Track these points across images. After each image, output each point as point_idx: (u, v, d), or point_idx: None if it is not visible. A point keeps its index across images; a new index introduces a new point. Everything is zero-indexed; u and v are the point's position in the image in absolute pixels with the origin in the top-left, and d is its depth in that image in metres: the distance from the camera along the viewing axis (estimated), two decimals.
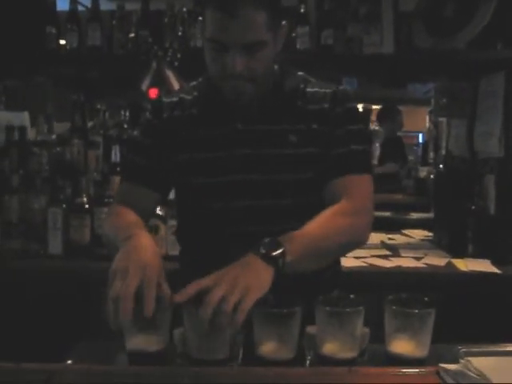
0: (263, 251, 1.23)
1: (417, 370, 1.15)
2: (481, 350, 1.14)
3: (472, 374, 1.07)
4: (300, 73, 1.55)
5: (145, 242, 1.27)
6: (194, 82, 1.59)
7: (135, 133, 1.84)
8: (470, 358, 1.10)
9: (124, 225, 1.39)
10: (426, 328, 1.19)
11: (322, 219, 1.37)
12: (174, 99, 1.56)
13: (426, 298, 1.23)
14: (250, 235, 1.32)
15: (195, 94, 1.55)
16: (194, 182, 1.50)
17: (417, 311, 1.19)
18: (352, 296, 1.24)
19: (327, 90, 1.50)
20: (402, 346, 1.20)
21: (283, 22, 1.44)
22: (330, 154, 1.45)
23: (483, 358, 1.11)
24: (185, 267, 1.62)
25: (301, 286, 1.26)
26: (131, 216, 1.44)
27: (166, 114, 1.54)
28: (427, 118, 3.56)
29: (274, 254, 1.23)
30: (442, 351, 1.20)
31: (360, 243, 1.46)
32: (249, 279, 1.17)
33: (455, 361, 1.12)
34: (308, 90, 1.50)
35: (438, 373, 1.12)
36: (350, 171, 1.44)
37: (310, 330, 1.24)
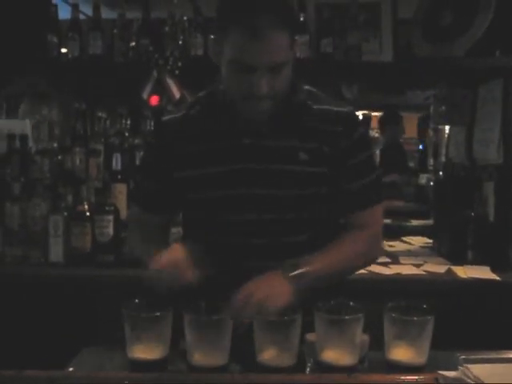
0: (285, 270, 1.35)
1: (416, 377, 1.15)
2: (480, 357, 1.15)
3: (471, 381, 1.07)
4: (306, 86, 1.53)
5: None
6: (200, 94, 1.57)
7: (142, 154, 1.90)
8: (468, 365, 1.11)
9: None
10: (425, 335, 1.20)
11: (341, 244, 1.48)
12: (177, 116, 1.55)
13: (425, 306, 1.23)
14: (254, 248, 1.43)
15: (198, 107, 1.53)
16: (197, 196, 1.50)
17: (416, 319, 1.19)
18: (351, 303, 1.25)
19: (339, 110, 1.49)
20: (401, 353, 1.21)
21: (297, 37, 1.44)
22: (344, 187, 1.48)
23: (482, 365, 1.12)
24: None
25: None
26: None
27: (167, 131, 1.54)
28: (424, 124, 3.56)
29: (293, 273, 1.35)
30: (441, 358, 1.21)
31: (372, 263, 1.72)
32: (267, 290, 1.29)
33: (454, 368, 1.13)
34: (316, 106, 1.48)
35: (436, 380, 1.12)
36: (366, 206, 1.51)
37: (310, 337, 1.25)
